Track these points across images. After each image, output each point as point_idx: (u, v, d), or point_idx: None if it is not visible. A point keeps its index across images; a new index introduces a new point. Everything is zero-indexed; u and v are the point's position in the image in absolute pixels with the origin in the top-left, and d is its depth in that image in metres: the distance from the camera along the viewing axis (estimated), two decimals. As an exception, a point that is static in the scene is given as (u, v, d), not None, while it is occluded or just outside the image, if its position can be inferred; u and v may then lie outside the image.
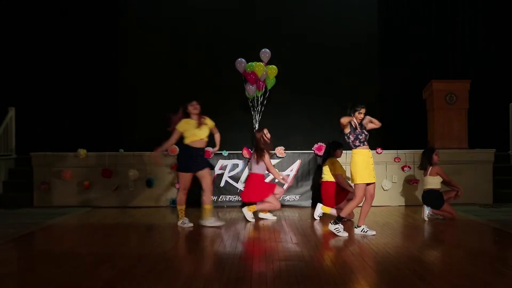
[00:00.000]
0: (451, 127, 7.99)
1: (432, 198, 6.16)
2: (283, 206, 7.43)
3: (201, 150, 5.75)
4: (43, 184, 7.60)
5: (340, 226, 5.17)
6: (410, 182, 7.56)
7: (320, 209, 6.30)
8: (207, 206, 5.72)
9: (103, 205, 7.58)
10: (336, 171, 6.40)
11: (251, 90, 8.32)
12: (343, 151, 6.65)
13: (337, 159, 6.55)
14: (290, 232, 5.44)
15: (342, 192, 6.39)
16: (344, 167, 6.62)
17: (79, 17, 9.44)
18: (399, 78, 9.47)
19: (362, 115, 5.16)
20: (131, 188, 7.65)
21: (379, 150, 7.56)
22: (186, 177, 5.74)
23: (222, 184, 7.60)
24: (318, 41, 9.56)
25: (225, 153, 7.61)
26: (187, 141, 5.67)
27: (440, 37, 9.59)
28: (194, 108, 5.69)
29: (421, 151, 7.59)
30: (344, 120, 5.10)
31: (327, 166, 6.48)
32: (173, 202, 7.59)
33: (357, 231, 5.22)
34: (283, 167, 7.61)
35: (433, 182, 6.18)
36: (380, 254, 4.33)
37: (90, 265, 3.97)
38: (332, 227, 5.20)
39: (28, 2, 9.25)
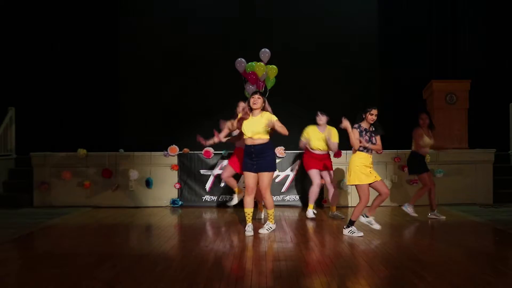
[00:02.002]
0: (451, 127, 7.99)
1: (416, 162, 6.19)
2: (283, 206, 7.46)
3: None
4: (43, 184, 7.60)
5: (353, 228, 5.14)
6: (410, 182, 7.56)
7: (309, 209, 6.35)
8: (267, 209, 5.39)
9: (103, 205, 7.58)
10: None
11: (251, 90, 8.30)
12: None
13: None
14: (290, 232, 5.44)
15: None
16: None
17: (79, 17, 9.42)
18: (399, 78, 9.46)
19: (374, 117, 5.06)
20: (131, 188, 7.65)
21: (379, 150, 7.55)
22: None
23: (222, 184, 7.61)
24: (318, 41, 9.55)
25: (225, 153, 7.62)
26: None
27: (440, 37, 9.58)
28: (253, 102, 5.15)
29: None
30: (355, 143, 4.97)
31: None
32: (173, 202, 7.59)
33: (362, 219, 5.23)
34: (283, 167, 7.61)
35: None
36: (380, 254, 4.33)
37: (90, 265, 3.96)
38: (346, 231, 5.16)
39: (28, 2, 9.24)
